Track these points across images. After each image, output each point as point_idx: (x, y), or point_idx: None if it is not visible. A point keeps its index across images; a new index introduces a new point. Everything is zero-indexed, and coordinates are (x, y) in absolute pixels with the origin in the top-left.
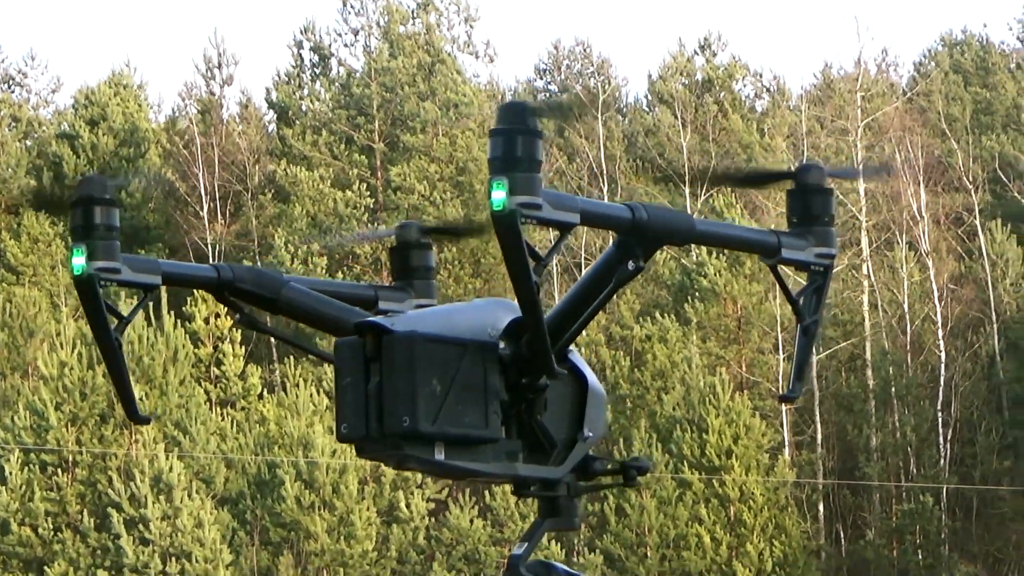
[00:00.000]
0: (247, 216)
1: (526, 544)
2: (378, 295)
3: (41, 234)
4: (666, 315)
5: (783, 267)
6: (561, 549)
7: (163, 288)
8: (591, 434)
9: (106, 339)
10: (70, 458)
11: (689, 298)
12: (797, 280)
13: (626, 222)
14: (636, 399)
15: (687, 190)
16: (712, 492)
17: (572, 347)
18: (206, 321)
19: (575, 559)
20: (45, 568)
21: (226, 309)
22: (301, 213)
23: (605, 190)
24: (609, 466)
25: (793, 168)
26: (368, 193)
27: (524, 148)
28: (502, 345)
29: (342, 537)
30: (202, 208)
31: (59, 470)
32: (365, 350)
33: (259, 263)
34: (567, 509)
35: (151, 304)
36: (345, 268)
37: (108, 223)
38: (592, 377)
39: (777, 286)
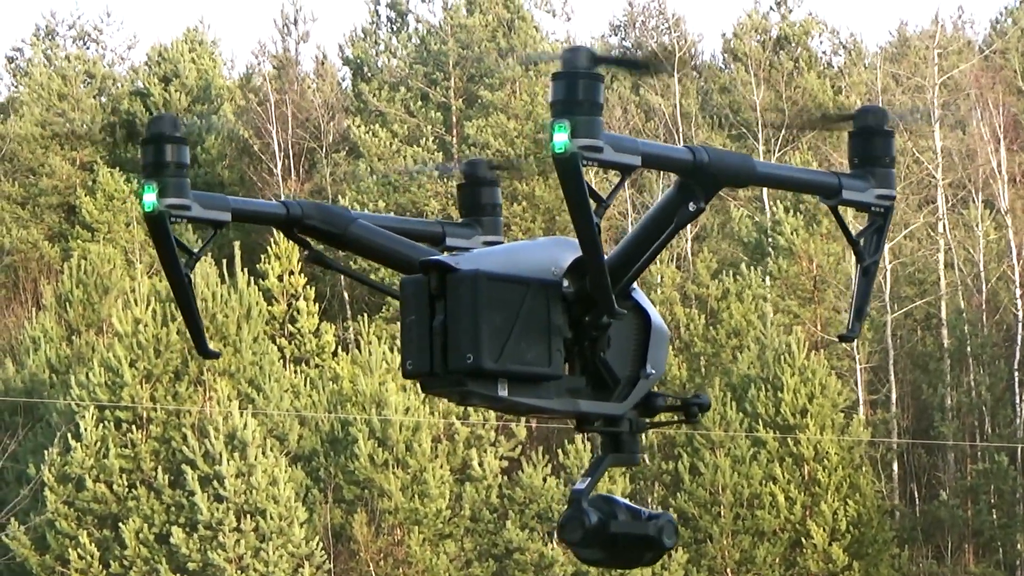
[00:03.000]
0: (321, 174)
1: (588, 479)
2: (446, 232)
3: (116, 191)
4: (742, 274)
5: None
6: None
7: (237, 246)
8: (654, 371)
9: (176, 275)
10: (145, 415)
11: (765, 256)
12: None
13: (687, 164)
14: (711, 357)
15: (760, 147)
16: (786, 451)
17: (635, 285)
18: (280, 279)
19: None
20: (120, 524)
21: (300, 263)
22: (367, 171)
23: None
24: (671, 402)
25: (854, 111)
26: (437, 148)
27: (585, 91)
28: (565, 283)
29: (415, 495)
30: (276, 165)
31: (134, 427)
32: (430, 288)
33: None
34: (629, 444)
35: (225, 261)
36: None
37: (179, 160)
38: (655, 315)
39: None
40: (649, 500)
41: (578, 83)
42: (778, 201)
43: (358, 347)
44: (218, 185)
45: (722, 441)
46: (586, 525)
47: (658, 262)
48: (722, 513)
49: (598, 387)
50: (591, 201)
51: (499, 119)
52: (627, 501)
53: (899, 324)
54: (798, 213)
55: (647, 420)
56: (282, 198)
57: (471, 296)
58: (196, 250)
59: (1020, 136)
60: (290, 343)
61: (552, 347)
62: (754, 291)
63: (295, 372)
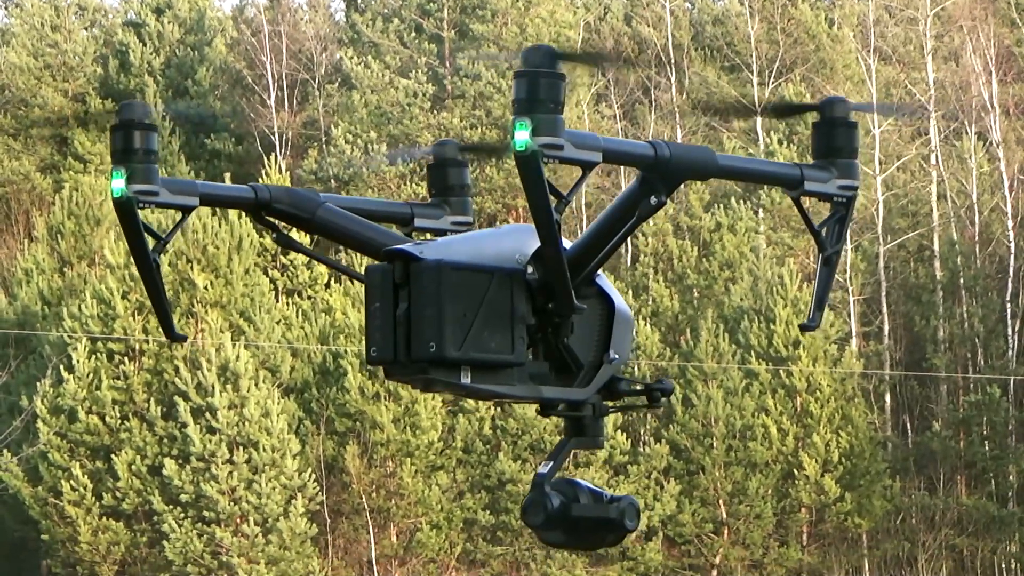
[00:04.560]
0: (313, 105)
1: (552, 463)
2: (414, 212)
3: (108, 122)
4: (733, 207)
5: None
6: (627, 440)
7: (227, 177)
8: (616, 356)
9: (144, 260)
10: (137, 347)
11: (758, 188)
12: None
13: (648, 159)
14: (703, 289)
15: (755, 79)
16: (779, 383)
17: (599, 271)
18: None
19: (641, 449)
20: (112, 456)
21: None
22: (361, 103)
23: (672, 79)
24: (634, 387)
25: (818, 101)
26: (428, 81)
27: (547, 90)
28: (529, 270)
29: (407, 427)
30: (269, 97)
31: (126, 359)
32: (394, 276)
33: (326, 152)
34: (593, 428)
35: None
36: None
37: (147, 147)
38: (619, 300)
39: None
40: (642, 432)
41: (539, 82)
42: (771, 132)
43: (350, 279)
44: (211, 117)
45: (714, 373)
46: (548, 509)
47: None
48: (714, 445)
49: (561, 372)
50: (551, 197)
51: (489, 51)
52: (590, 484)
53: (892, 256)
54: (791, 144)
55: (610, 405)
56: (275, 129)
57: (434, 285)
58: (164, 235)
59: (1013, 68)
60: (282, 275)
61: (515, 335)
62: (746, 223)
63: (287, 304)
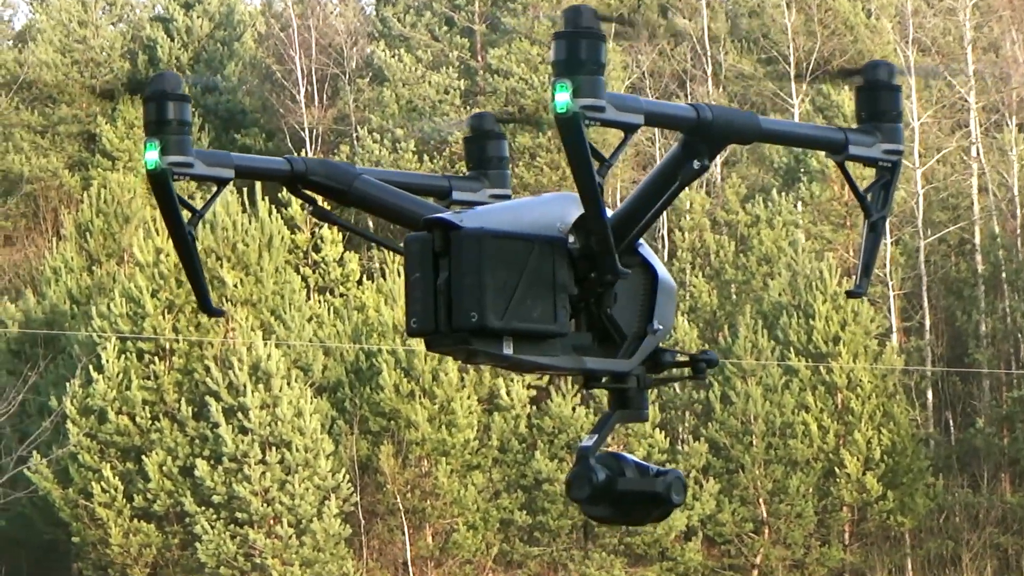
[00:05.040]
0: (344, 100)
1: (596, 435)
2: (452, 186)
3: (137, 119)
4: (772, 200)
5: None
6: (665, 438)
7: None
8: (660, 327)
9: (180, 233)
10: (167, 346)
11: (797, 181)
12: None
13: (691, 121)
14: (741, 284)
15: (792, 71)
16: (819, 379)
17: (642, 240)
18: (303, 207)
19: (679, 447)
20: (143, 457)
21: None
22: (392, 97)
23: (708, 71)
24: (679, 358)
25: (862, 65)
26: (458, 76)
27: (588, 51)
28: (571, 239)
29: (443, 426)
30: (299, 92)
31: (156, 358)
32: (434, 246)
33: (357, 148)
34: (637, 401)
35: (246, 189)
36: (435, 154)
37: (181, 118)
38: (662, 269)
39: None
40: (680, 430)
41: (580, 43)
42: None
43: (383, 276)
44: (240, 112)
45: (753, 369)
46: (593, 482)
47: (688, 188)
48: (754, 442)
49: (604, 343)
50: (594, 160)
51: (521, 45)
52: (635, 458)
53: (932, 249)
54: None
55: (654, 376)
56: (305, 124)
57: (475, 254)
58: (200, 208)
59: None
60: (314, 272)
61: (557, 304)
62: (785, 217)
63: (319, 302)
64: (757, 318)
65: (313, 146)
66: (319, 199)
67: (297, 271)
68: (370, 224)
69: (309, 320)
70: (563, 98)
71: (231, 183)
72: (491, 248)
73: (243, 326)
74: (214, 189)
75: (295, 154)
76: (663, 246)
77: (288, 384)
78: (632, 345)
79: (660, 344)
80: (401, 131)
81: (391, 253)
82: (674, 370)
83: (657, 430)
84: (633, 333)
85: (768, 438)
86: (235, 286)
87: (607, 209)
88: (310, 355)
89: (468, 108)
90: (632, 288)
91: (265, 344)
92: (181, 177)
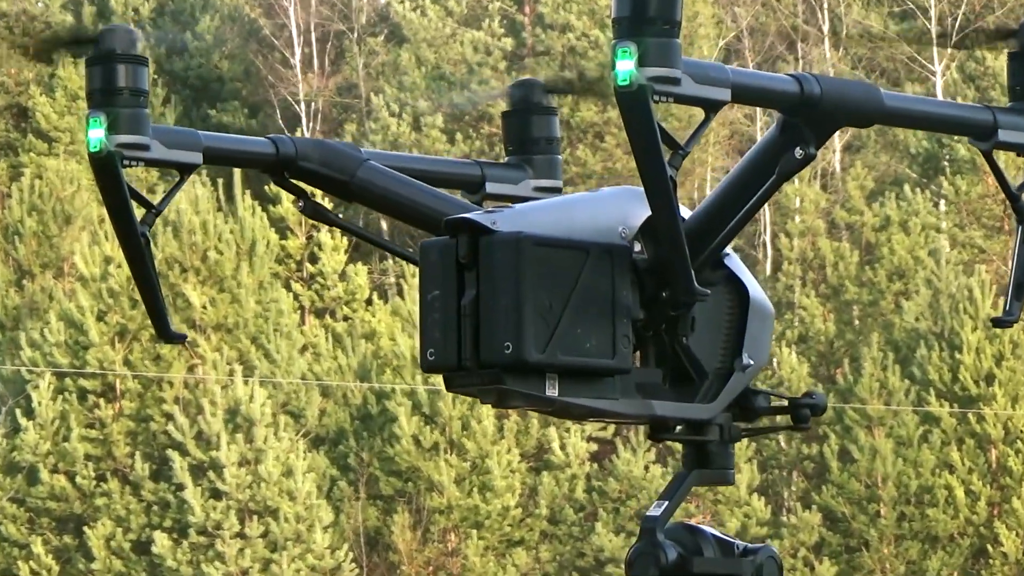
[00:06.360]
0: (351, 65)
1: (666, 502)
2: (486, 175)
3: (80, 88)
4: (907, 196)
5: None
6: (766, 506)
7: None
8: (752, 361)
9: (130, 234)
10: (117, 384)
11: (939, 172)
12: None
13: (793, 98)
14: (867, 307)
15: (933, 27)
16: (967, 430)
17: (730, 249)
18: (294, 202)
19: (784, 518)
20: (85, 529)
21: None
22: (413, 62)
23: (826, 29)
24: (775, 402)
25: (1016, 25)
26: (501, 33)
27: (659, 5)
28: (637, 248)
29: (475, 489)
30: (293, 54)
31: (103, 400)
32: (458, 255)
33: (367, 125)
34: (720, 458)
35: (221, 181)
36: (471, 134)
37: (134, 86)
38: (755, 287)
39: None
40: (786, 495)
41: None
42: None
43: (400, 294)
44: (215, 80)
45: (882, 417)
46: (662, 562)
47: (796, 180)
48: (882, 512)
49: (679, 383)
50: (666, 148)
51: None
52: (716, 531)
53: None
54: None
55: (743, 426)
56: (300, 96)
57: (511, 266)
58: (157, 202)
59: None
60: (309, 288)
61: (617, 332)
62: (924, 219)
63: (315, 328)
64: (887, 349)
65: (311, 124)
66: (315, 193)
67: (287, 287)
68: (383, 226)
69: (302, 351)
70: (626, 66)
71: (199, 170)
72: (532, 258)
73: (215, 359)
74: (177, 178)
75: (285, 134)
76: (764, 256)
77: (275, 434)
78: (714, 385)
79: (751, 384)
80: (425, 104)
81: (408, 264)
82: (770, 418)
83: (755, 496)
84: (715, 370)
85: (900, 506)
86: (204, 307)
87: (685, 209)
88: (303, 396)
89: (513, 74)
90: (716, 312)
91: (245, 382)
92: (134, 163)
